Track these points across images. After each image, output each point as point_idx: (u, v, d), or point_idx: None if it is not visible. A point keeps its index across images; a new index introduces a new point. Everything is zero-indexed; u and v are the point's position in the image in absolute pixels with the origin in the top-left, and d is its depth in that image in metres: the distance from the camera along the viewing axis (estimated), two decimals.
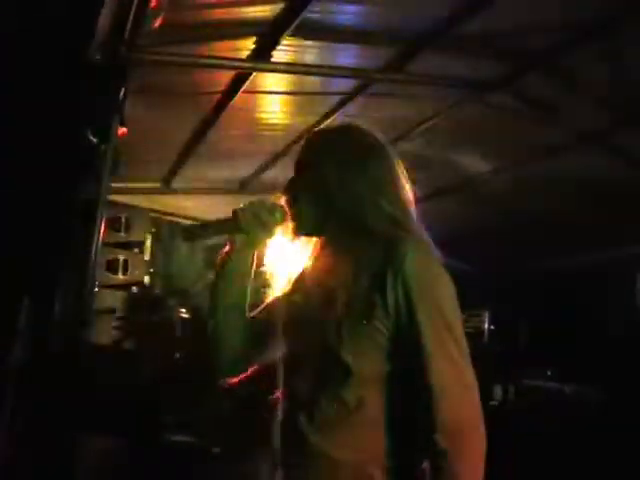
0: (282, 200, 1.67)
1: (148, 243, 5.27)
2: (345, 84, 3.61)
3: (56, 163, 2.38)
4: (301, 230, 1.66)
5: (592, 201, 4.46)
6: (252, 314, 1.71)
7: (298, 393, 1.57)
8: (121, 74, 2.34)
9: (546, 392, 4.70)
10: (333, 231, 1.61)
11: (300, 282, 1.69)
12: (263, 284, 1.71)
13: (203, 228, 1.69)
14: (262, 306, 1.73)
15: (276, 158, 4.59)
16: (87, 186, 2.56)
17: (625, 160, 3.94)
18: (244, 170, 4.96)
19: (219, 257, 1.69)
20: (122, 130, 2.55)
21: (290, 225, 1.66)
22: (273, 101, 3.92)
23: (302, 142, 1.76)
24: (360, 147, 1.64)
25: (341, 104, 3.75)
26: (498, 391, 5.01)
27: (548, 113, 3.60)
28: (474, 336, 5.30)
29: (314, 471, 1.51)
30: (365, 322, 1.47)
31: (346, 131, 1.72)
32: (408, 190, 1.65)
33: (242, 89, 3.46)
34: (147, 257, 5.26)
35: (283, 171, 4.59)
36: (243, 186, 5.18)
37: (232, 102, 3.62)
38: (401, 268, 1.47)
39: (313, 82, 3.62)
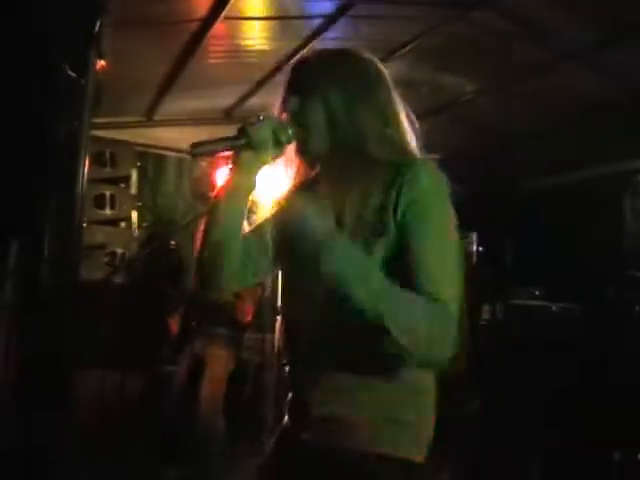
0: (287, 119, 1.61)
1: (134, 177, 5.24)
2: (327, 6, 3.53)
3: (35, 100, 2.33)
4: (306, 154, 1.63)
5: (578, 120, 4.44)
6: (246, 232, 1.65)
7: (308, 322, 1.56)
8: (97, 6, 2.28)
9: (534, 310, 4.78)
10: (336, 157, 1.58)
11: (292, 204, 1.66)
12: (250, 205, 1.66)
13: (213, 142, 1.53)
14: (255, 225, 1.70)
15: (259, 85, 4.52)
16: (69, 122, 2.52)
17: (611, 78, 3.90)
18: (228, 99, 4.88)
19: (226, 177, 1.60)
20: (101, 64, 2.49)
21: (295, 146, 1.60)
22: (254, 27, 3.83)
23: (298, 62, 1.66)
24: (365, 74, 1.60)
25: (323, 27, 3.68)
26: (487, 310, 5.09)
27: (534, 31, 3.54)
28: (463, 258, 5.33)
29: (341, 402, 1.52)
30: (377, 236, 1.48)
31: (348, 57, 1.65)
32: (408, 117, 1.64)
33: (222, 15, 3.38)
34: (134, 191, 5.24)
35: (267, 98, 4.52)
36: (228, 115, 5.11)
37: (212, 30, 3.54)
38: (414, 183, 1.49)
39: (294, 5, 3.54)
